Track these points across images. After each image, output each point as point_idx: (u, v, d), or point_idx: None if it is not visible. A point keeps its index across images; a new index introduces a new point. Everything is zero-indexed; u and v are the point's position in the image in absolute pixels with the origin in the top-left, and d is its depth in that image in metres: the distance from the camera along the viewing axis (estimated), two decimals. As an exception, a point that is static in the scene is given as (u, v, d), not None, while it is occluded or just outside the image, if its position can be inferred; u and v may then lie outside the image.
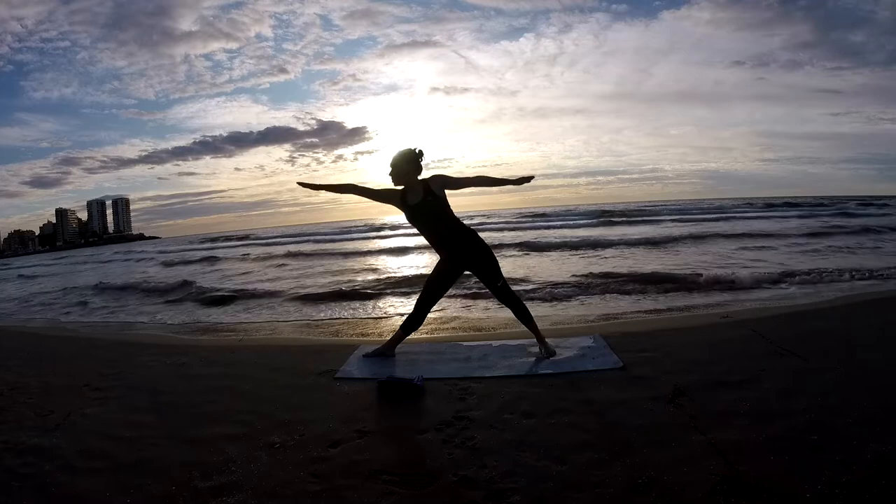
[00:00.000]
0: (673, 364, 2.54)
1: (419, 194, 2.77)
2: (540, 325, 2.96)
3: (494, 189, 2.91)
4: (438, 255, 2.93)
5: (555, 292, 5.64)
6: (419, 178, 2.80)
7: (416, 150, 2.80)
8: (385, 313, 5.32)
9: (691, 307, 4.61)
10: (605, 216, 24.84)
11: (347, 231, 29.44)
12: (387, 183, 2.85)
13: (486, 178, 2.87)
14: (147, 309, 7.01)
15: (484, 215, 38.72)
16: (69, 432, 2.14)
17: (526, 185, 2.84)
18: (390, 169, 2.81)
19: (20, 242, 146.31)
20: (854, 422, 1.76)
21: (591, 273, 6.77)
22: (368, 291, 6.78)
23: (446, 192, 2.79)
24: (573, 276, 6.75)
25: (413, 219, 2.86)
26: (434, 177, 2.79)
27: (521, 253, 10.96)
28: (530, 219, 27.87)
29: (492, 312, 4.56)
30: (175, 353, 3.47)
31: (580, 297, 5.46)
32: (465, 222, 2.84)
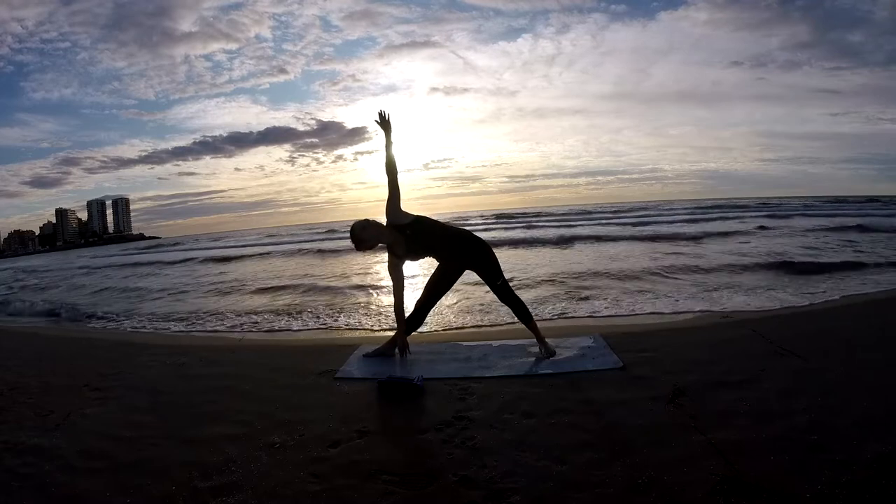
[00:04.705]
0: (673, 364, 2.53)
1: (399, 240, 2.75)
2: (539, 324, 2.95)
3: (396, 157, 2.76)
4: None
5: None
6: (384, 228, 2.75)
7: (363, 221, 2.77)
8: (384, 313, 5.31)
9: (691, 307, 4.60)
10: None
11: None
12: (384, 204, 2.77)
13: (387, 166, 2.73)
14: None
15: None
16: (69, 432, 2.13)
17: (388, 125, 2.75)
18: (367, 244, 2.75)
19: (20, 242, 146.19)
20: (854, 422, 1.76)
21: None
22: (367, 290, 6.78)
23: (402, 206, 2.75)
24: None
25: (416, 256, 2.85)
26: (387, 211, 2.74)
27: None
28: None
29: (492, 312, 4.55)
30: (175, 353, 3.47)
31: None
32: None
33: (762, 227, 13.99)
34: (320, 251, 14.78)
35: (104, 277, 12.74)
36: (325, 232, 29.15)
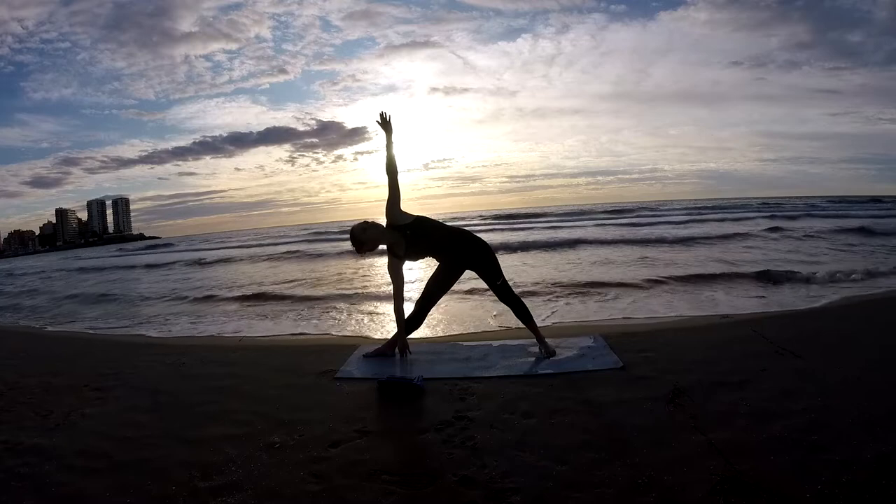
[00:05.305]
0: (673, 364, 2.54)
1: (399, 241, 2.76)
2: (539, 325, 2.96)
3: (396, 158, 2.76)
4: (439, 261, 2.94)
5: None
6: (384, 229, 2.78)
7: (362, 223, 2.79)
8: (384, 313, 5.31)
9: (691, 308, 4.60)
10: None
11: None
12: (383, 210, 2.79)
13: (387, 167, 2.73)
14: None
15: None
16: (69, 432, 2.14)
17: (389, 126, 2.75)
18: (367, 246, 2.78)
19: (20, 242, 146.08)
20: (854, 422, 1.77)
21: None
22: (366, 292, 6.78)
23: (401, 206, 2.77)
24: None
25: (416, 257, 2.86)
26: (387, 211, 2.76)
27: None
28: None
29: (492, 312, 4.55)
30: (175, 353, 3.47)
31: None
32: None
33: (775, 229, 13.45)
34: (306, 254, 14.47)
35: (79, 282, 12.61)
36: (312, 233, 28.90)
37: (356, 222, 2.83)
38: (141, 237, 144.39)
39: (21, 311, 7.61)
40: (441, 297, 2.98)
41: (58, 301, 8.50)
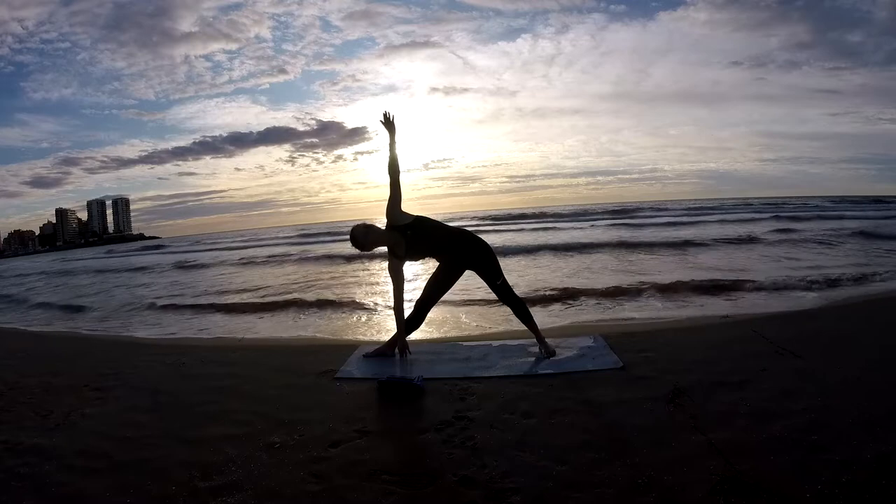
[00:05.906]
0: (673, 364, 2.54)
1: (400, 241, 2.77)
2: (539, 324, 2.95)
3: (398, 158, 2.76)
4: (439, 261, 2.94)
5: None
6: (384, 230, 2.79)
7: (362, 225, 2.82)
8: (384, 313, 5.31)
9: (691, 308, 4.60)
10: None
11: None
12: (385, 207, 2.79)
13: (389, 167, 2.73)
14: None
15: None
16: (69, 432, 2.14)
17: (392, 125, 2.75)
18: (367, 247, 2.81)
19: (20, 242, 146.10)
20: (854, 422, 1.77)
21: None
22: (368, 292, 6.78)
23: (402, 208, 2.78)
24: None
25: (416, 257, 2.87)
26: (388, 211, 2.76)
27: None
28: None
29: (492, 312, 4.55)
30: (175, 353, 3.47)
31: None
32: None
33: (778, 230, 13.04)
34: (304, 255, 14.25)
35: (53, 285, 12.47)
36: (311, 234, 28.70)
37: (356, 223, 2.84)
38: (141, 237, 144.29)
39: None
40: (441, 297, 2.98)
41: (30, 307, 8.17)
